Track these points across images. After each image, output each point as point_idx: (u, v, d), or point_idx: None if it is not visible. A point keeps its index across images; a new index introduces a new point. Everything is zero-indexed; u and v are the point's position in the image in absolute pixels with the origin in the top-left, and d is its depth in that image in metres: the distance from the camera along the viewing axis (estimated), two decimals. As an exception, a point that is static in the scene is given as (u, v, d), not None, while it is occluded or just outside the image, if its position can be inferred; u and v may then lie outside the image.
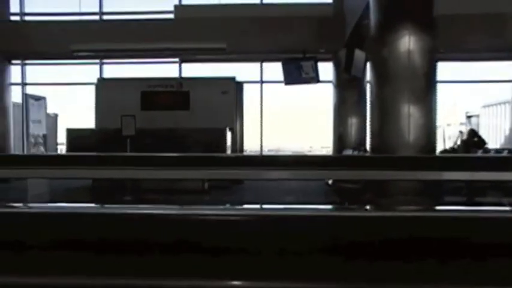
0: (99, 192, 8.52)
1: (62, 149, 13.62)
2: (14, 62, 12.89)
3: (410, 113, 6.32)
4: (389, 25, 6.52)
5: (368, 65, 7.11)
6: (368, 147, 10.36)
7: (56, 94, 12.70)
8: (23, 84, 13.19)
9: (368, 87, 7.10)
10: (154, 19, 12.61)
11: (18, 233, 1.20)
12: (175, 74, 13.32)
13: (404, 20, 6.39)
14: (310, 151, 16.54)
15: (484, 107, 16.15)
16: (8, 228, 1.22)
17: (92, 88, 12.30)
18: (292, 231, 1.19)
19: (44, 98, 12.23)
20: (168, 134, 10.49)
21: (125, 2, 16.29)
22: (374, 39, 6.78)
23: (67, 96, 16.28)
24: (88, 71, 17.09)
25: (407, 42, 6.32)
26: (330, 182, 8.05)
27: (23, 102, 12.94)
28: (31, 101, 11.44)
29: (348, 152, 10.32)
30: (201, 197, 8.68)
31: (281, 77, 12.12)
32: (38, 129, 11.89)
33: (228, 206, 1.88)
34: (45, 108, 12.20)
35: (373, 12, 6.81)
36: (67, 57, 12.51)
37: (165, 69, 17.15)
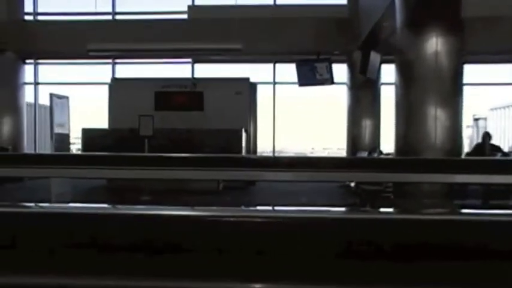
0: (102, 192, 8.50)
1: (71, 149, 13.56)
2: (27, 61, 12.82)
3: (436, 116, 6.28)
4: (416, 26, 6.48)
5: (394, 67, 7.05)
6: (383, 149, 10.38)
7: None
8: (36, 83, 13.15)
9: (393, 89, 7.03)
10: (175, 19, 12.56)
11: (21, 233, 1.19)
12: (186, 75, 13.28)
13: (432, 21, 6.34)
14: (312, 153, 16.50)
15: (492, 109, 16.18)
16: (11, 228, 1.20)
17: (98, 88, 12.27)
18: (305, 233, 1.16)
19: (66, 97, 12.07)
20: (182, 134, 10.45)
21: (138, 2, 16.22)
22: (400, 40, 6.74)
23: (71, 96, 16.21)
24: (95, 71, 17.15)
25: (435, 44, 6.27)
26: (352, 184, 8.01)
27: (35, 101, 12.93)
28: (55, 100, 11.28)
29: (363, 154, 10.29)
30: (220, 198, 8.63)
31: (293, 78, 12.10)
32: (61, 129, 11.76)
33: (242, 207, 1.87)
34: (68, 107, 12.08)
35: (399, 13, 6.76)
36: (80, 57, 12.48)
37: (176, 69, 17.15)
